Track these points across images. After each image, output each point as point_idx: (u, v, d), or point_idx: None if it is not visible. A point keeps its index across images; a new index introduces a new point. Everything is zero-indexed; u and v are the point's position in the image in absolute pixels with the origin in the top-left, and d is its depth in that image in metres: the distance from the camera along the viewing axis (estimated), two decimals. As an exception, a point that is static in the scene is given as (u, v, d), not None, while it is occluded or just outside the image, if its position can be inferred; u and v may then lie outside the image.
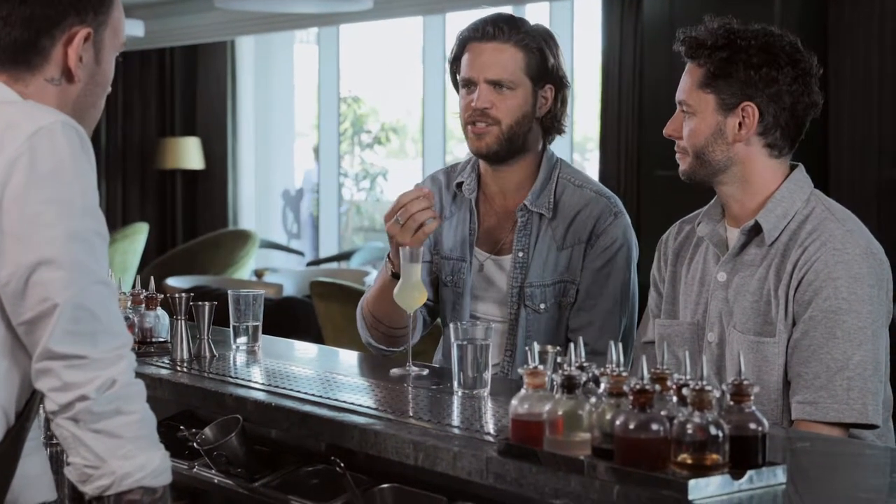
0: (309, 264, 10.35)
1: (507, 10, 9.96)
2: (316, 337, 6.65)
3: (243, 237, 9.91)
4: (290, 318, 6.88)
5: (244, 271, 9.74)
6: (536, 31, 3.19)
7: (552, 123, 3.23)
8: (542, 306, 3.18)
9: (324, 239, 10.93)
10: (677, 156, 2.83)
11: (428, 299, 3.28)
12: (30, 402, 2.05)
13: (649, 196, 7.87)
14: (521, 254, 3.19)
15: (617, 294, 3.17)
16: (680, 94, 2.79)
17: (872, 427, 2.61)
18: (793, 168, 2.81)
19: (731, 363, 2.72)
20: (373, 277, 8.24)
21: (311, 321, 6.85)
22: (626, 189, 8.17)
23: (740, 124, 2.73)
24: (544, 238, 3.19)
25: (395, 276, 3.04)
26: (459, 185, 3.30)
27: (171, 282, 7.84)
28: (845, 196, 7.03)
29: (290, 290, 8.30)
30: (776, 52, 2.74)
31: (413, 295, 2.90)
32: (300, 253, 10.83)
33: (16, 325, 1.97)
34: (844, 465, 2.20)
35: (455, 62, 3.22)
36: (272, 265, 10.42)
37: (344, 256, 10.14)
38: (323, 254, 10.72)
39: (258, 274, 9.55)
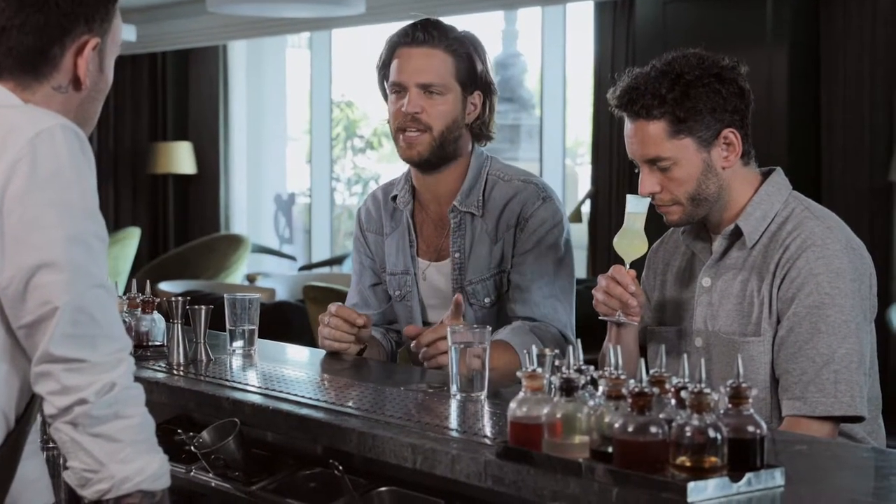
0: (301, 269, 10.35)
1: (498, 14, 10.00)
2: (309, 341, 6.63)
3: (235, 242, 9.90)
4: (283, 322, 6.87)
5: (236, 276, 9.73)
6: (465, 37, 3.20)
7: (481, 129, 3.24)
8: (487, 301, 3.21)
9: (316, 244, 10.93)
10: (663, 209, 2.79)
11: (389, 324, 3.38)
12: (30, 405, 2.05)
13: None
14: (457, 255, 3.22)
15: (550, 270, 3.18)
16: (649, 152, 2.74)
17: (860, 419, 2.64)
18: (770, 172, 2.83)
19: (717, 366, 2.74)
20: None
21: (305, 326, 6.85)
22: (618, 194, 8.19)
23: (725, 151, 2.74)
24: (479, 235, 3.21)
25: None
26: (395, 198, 3.32)
27: (164, 286, 7.83)
28: (837, 200, 7.05)
29: (282, 294, 8.30)
30: (717, 70, 2.74)
31: (633, 243, 2.85)
32: (292, 258, 10.83)
33: (16, 329, 1.97)
34: (842, 468, 2.20)
35: (384, 68, 3.23)
36: (264, 270, 10.42)
37: (336, 261, 10.14)
38: (315, 258, 10.72)
39: (250, 278, 9.55)
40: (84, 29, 2.10)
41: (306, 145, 11.20)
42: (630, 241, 2.83)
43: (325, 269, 10.02)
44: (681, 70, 2.72)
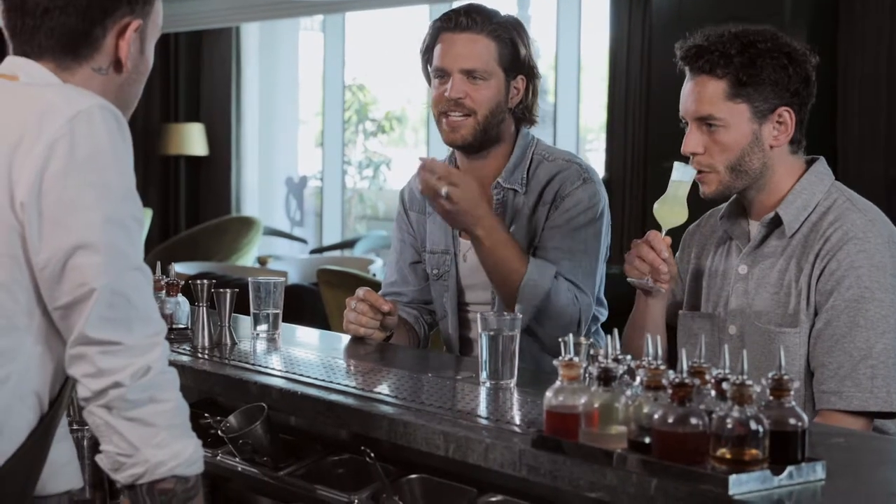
0: (312, 252, 10.33)
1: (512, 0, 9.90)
2: (322, 324, 6.64)
3: (247, 224, 9.89)
4: (296, 305, 6.86)
5: (247, 258, 9.71)
6: (508, 22, 3.20)
7: (524, 114, 3.24)
8: None
9: (327, 227, 10.91)
10: (701, 176, 2.75)
11: (426, 303, 3.34)
12: (63, 388, 2.04)
13: (656, 188, 7.85)
14: None
15: (579, 250, 3.16)
16: (703, 109, 2.72)
17: (895, 415, 2.61)
18: (813, 161, 2.81)
19: (751, 355, 2.71)
20: (378, 266, 8.22)
21: (317, 308, 6.84)
22: (632, 181, 8.15)
23: (776, 130, 2.71)
24: (520, 210, 3.20)
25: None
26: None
27: (175, 268, 7.81)
28: (853, 189, 7.01)
29: (293, 277, 8.29)
30: (789, 50, 2.72)
31: (674, 209, 2.82)
32: (303, 240, 10.81)
33: (51, 310, 1.95)
34: (881, 462, 2.18)
35: (427, 53, 3.23)
36: (275, 252, 10.39)
37: (347, 244, 10.12)
38: (326, 242, 10.70)
39: (261, 261, 9.53)
40: (126, 10, 2.09)
41: (318, 128, 11.17)
42: (671, 208, 2.81)
43: (336, 253, 9.99)
44: (754, 38, 2.71)
